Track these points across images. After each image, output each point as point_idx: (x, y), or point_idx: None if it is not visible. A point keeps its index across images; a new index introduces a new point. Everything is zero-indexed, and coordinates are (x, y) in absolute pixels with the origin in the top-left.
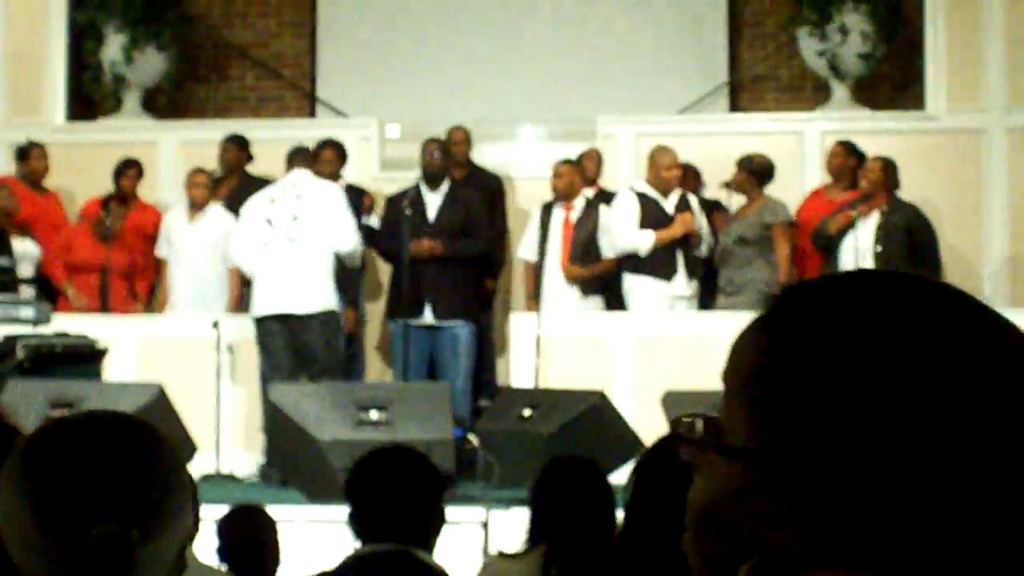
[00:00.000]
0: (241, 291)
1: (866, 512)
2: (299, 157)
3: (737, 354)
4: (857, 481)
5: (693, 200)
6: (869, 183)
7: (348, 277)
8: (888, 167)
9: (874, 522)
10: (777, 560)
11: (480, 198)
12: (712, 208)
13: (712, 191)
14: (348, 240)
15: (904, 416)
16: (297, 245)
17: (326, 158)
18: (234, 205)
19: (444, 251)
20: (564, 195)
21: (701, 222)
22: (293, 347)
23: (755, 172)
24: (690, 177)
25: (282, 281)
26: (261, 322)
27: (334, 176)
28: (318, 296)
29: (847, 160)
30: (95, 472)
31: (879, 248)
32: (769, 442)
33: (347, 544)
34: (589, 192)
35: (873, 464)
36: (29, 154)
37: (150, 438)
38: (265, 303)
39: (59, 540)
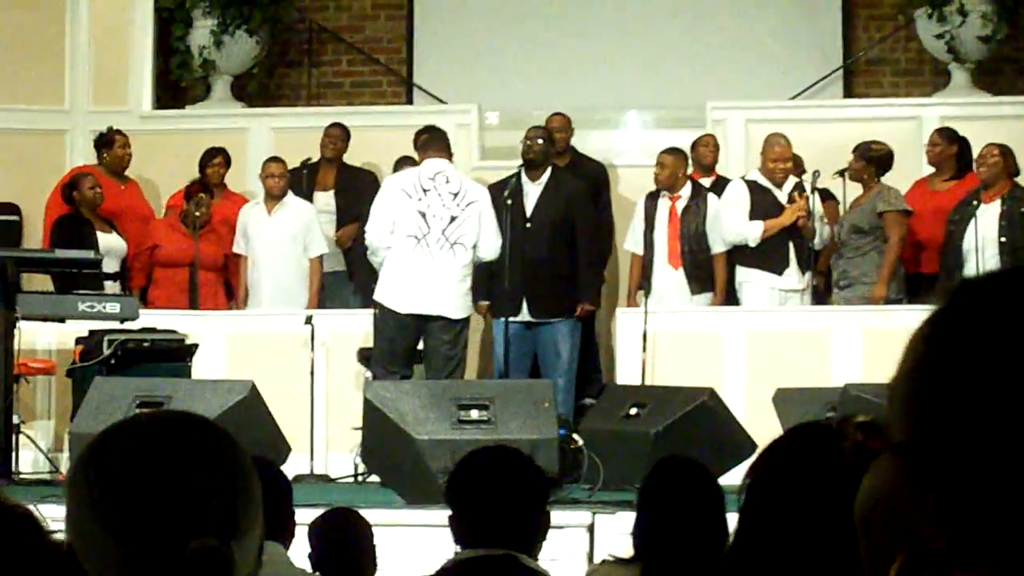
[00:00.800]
0: (323, 281)
1: (1010, 513)
2: (438, 142)
3: (906, 346)
4: (1004, 481)
5: (807, 188)
6: (987, 170)
7: None
8: (1007, 153)
9: (1017, 524)
10: (923, 558)
11: (584, 187)
12: (822, 198)
13: (825, 179)
14: (495, 250)
15: None
16: (455, 249)
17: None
18: (343, 196)
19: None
20: (667, 186)
21: (817, 211)
22: (417, 346)
23: (873, 160)
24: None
25: (433, 283)
26: (397, 316)
27: None
28: (465, 302)
29: (947, 148)
30: (179, 480)
31: (1003, 239)
32: (919, 434)
33: (446, 548)
34: (706, 181)
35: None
36: (112, 142)
37: (224, 440)
38: (410, 301)
39: (144, 555)
